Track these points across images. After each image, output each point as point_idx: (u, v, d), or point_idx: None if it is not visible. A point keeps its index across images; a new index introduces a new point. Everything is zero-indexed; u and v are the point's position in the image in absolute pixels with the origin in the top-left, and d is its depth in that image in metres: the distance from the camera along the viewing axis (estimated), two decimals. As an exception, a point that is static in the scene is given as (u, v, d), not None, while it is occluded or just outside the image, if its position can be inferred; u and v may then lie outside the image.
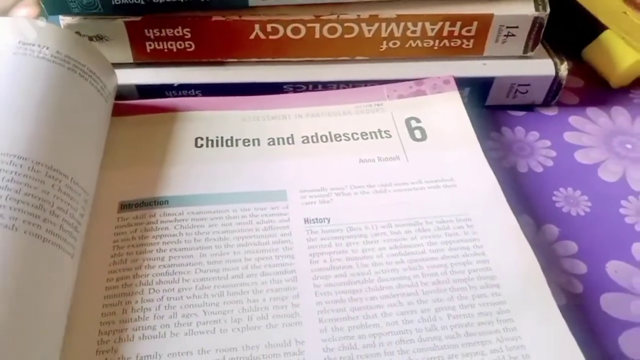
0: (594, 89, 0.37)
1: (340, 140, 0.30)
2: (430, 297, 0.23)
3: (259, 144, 0.29)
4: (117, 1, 0.29)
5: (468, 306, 0.23)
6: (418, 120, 0.31)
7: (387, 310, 0.22)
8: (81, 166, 0.24)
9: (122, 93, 0.31)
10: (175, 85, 0.32)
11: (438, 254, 0.24)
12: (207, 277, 0.23)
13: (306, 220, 0.26)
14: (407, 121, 0.31)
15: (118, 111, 0.30)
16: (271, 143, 0.29)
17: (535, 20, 0.32)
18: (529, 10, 0.31)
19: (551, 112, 0.35)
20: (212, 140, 0.29)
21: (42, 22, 0.27)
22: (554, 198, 0.30)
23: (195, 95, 0.32)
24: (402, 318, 0.22)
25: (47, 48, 0.26)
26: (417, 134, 0.30)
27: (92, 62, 0.27)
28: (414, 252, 0.24)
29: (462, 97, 0.33)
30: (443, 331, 0.22)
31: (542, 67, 0.33)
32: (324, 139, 0.30)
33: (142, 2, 0.30)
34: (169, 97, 0.32)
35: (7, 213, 0.20)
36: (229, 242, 0.24)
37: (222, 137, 0.29)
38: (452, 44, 0.32)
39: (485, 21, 0.31)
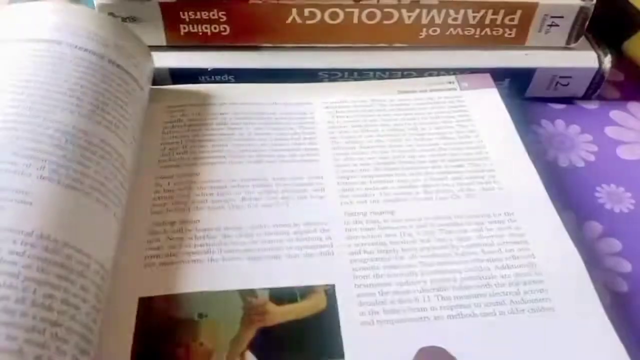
0: (635, 84, 0.35)
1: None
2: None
3: None
4: (153, -18, 0.29)
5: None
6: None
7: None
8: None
9: (155, 77, 0.30)
10: (209, 69, 0.31)
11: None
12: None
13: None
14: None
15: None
16: None
17: (581, 10, 0.31)
18: (576, 0, 0.30)
19: (592, 105, 0.34)
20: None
21: (75, 5, 0.27)
22: (596, 194, 0.29)
23: (229, 81, 0.31)
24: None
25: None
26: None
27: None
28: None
29: (502, 88, 0.32)
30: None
31: (585, 59, 0.32)
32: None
33: (178, -17, 0.29)
34: (201, 82, 0.31)
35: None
36: None
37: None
38: (494, 32, 0.31)
39: (529, 10, 0.30)
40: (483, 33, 0.31)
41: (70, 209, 0.20)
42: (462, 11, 0.30)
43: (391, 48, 0.32)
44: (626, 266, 0.26)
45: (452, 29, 0.31)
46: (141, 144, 0.27)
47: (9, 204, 0.18)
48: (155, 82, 0.31)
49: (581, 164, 0.30)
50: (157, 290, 0.22)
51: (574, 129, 0.32)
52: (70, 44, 0.24)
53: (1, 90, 0.22)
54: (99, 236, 0.21)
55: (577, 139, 0.32)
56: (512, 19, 0.31)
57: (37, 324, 0.17)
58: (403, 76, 0.32)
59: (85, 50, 0.25)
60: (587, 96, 0.34)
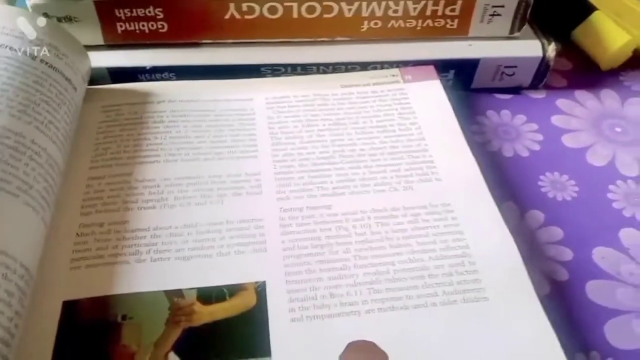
0: (583, 72, 0.35)
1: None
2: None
3: None
4: (85, -20, 0.28)
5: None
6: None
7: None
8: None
9: (94, 77, 0.30)
10: (148, 67, 0.30)
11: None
12: None
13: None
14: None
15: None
16: None
17: (522, -1, 0.31)
18: (516, -12, 0.30)
19: (539, 95, 0.34)
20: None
21: (6, 5, 0.26)
22: (539, 183, 0.29)
23: (170, 79, 0.31)
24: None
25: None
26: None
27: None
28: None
29: (446, 80, 0.32)
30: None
31: (529, 48, 0.32)
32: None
33: (112, -19, 0.28)
34: (141, 80, 0.31)
35: None
36: None
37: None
38: (436, 24, 0.31)
39: (469, 0, 0.30)
40: (425, 24, 0.31)
41: None
42: (401, 3, 0.30)
43: (334, 42, 0.31)
44: (567, 254, 0.26)
45: (393, 21, 0.31)
46: (74, 145, 0.26)
47: None
48: (94, 82, 0.30)
49: (526, 154, 0.30)
50: (82, 293, 0.21)
51: (520, 118, 0.32)
52: (1, 44, 0.24)
53: None
54: (26, 240, 0.21)
55: (522, 129, 0.32)
56: (452, 10, 0.31)
57: None
58: (347, 70, 0.31)
59: (16, 50, 0.24)
60: (533, 85, 0.34)
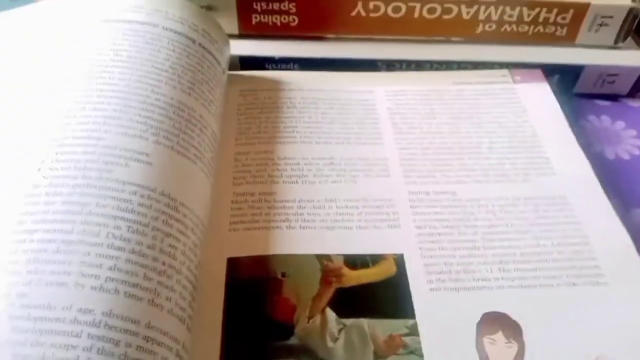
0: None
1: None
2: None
3: None
4: (230, -26, 0.31)
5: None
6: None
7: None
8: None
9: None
10: (277, 58, 0.33)
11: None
12: None
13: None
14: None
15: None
16: None
17: (631, 11, 0.32)
18: (626, 0, 0.32)
19: (636, 103, 0.35)
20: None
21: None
22: (642, 185, 0.30)
23: (293, 69, 0.34)
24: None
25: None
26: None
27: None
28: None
29: (551, 84, 0.34)
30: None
31: (632, 58, 0.34)
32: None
33: (253, -24, 0.31)
34: (268, 69, 0.33)
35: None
36: None
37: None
38: (547, 30, 0.33)
39: (581, 9, 0.32)
40: (536, 30, 0.33)
41: (182, 173, 0.22)
42: (517, 8, 0.32)
43: (448, 41, 0.34)
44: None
45: (507, 26, 0.33)
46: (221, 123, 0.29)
47: (132, 162, 0.21)
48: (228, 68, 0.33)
49: (627, 157, 0.32)
50: (243, 251, 0.24)
51: (619, 124, 0.34)
52: (165, 27, 0.27)
53: (109, 65, 0.24)
54: (203, 201, 0.24)
55: (622, 134, 0.33)
56: (564, 18, 0.32)
57: (167, 269, 0.19)
58: (459, 68, 0.34)
59: (179, 33, 0.27)
60: (631, 94, 0.35)
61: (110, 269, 0.18)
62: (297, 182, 0.27)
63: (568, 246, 0.25)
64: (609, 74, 0.34)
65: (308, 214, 0.25)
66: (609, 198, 0.29)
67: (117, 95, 0.23)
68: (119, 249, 0.18)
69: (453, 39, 0.34)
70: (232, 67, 0.33)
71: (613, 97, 0.35)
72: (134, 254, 0.19)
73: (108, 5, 0.27)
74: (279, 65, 0.34)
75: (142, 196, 0.20)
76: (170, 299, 0.19)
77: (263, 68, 0.34)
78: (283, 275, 0.23)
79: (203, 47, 0.28)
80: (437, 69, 0.34)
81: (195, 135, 0.24)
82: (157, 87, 0.24)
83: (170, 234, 0.20)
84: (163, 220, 0.20)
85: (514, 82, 0.33)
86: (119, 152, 0.21)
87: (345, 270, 0.23)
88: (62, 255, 0.18)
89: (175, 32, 0.27)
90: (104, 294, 0.17)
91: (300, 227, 0.25)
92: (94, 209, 0.19)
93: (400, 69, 0.34)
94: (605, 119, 0.34)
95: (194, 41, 0.28)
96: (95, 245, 0.18)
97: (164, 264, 0.19)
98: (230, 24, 0.33)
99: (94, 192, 0.19)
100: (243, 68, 0.33)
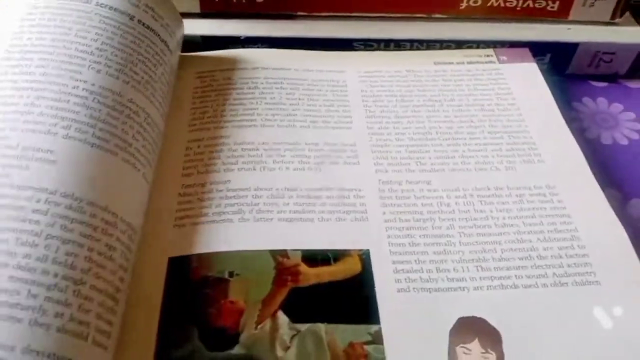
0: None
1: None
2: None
3: None
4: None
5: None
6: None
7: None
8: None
9: (188, 44, 0.30)
10: (243, 37, 0.30)
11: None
12: None
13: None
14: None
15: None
16: None
17: (629, -18, 0.29)
18: (624, -29, 0.29)
19: (635, 84, 0.33)
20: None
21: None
22: (641, 173, 0.27)
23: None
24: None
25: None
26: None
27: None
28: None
29: (542, 64, 0.31)
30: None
31: (630, 34, 0.31)
32: None
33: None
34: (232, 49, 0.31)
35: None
36: None
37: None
38: (537, 5, 0.30)
39: (574, -19, 0.29)
40: (525, 5, 0.30)
41: (95, 167, 0.20)
42: (504, -20, 0.29)
43: (429, 19, 0.31)
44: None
45: (493, 0, 0.30)
46: (171, 109, 0.26)
47: (32, 163, 0.18)
48: (188, 49, 0.30)
49: (625, 142, 0.29)
50: (187, 249, 0.21)
51: (617, 107, 0.31)
52: (98, 2, 0.24)
53: (29, 50, 0.21)
54: (126, 195, 0.21)
55: (620, 117, 0.30)
56: (556, -9, 0.30)
57: (59, 282, 0.17)
58: (441, 48, 0.31)
59: (114, 9, 0.24)
60: (630, 74, 0.32)
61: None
62: (254, 168, 0.24)
63: (556, 241, 0.22)
64: (605, 52, 0.31)
65: (264, 204, 0.23)
66: (605, 187, 0.26)
67: (31, 86, 0.20)
68: (2, 265, 0.16)
69: (435, 15, 0.31)
70: (192, 48, 0.30)
71: (610, 78, 0.33)
72: (19, 270, 0.16)
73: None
74: (246, 47, 0.31)
75: (38, 201, 0.18)
76: (63, 315, 0.16)
77: (228, 48, 0.31)
78: (231, 275, 0.20)
79: (143, 23, 0.25)
80: (417, 49, 0.31)
81: (119, 124, 0.21)
82: (78, 73, 0.21)
83: (70, 240, 0.17)
84: (61, 226, 0.18)
85: (499, 61, 0.30)
86: (20, 153, 0.19)
87: (303, 268, 0.21)
88: None
89: (110, 7, 0.24)
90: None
91: (254, 220, 0.22)
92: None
93: (378, 49, 0.31)
94: (602, 101, 0.31)
95: (132, 17, 0.25)
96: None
97: (55, 275, 0.17)
98: (191, 1, 0.30)
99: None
100: (207, 49, 0.31)
